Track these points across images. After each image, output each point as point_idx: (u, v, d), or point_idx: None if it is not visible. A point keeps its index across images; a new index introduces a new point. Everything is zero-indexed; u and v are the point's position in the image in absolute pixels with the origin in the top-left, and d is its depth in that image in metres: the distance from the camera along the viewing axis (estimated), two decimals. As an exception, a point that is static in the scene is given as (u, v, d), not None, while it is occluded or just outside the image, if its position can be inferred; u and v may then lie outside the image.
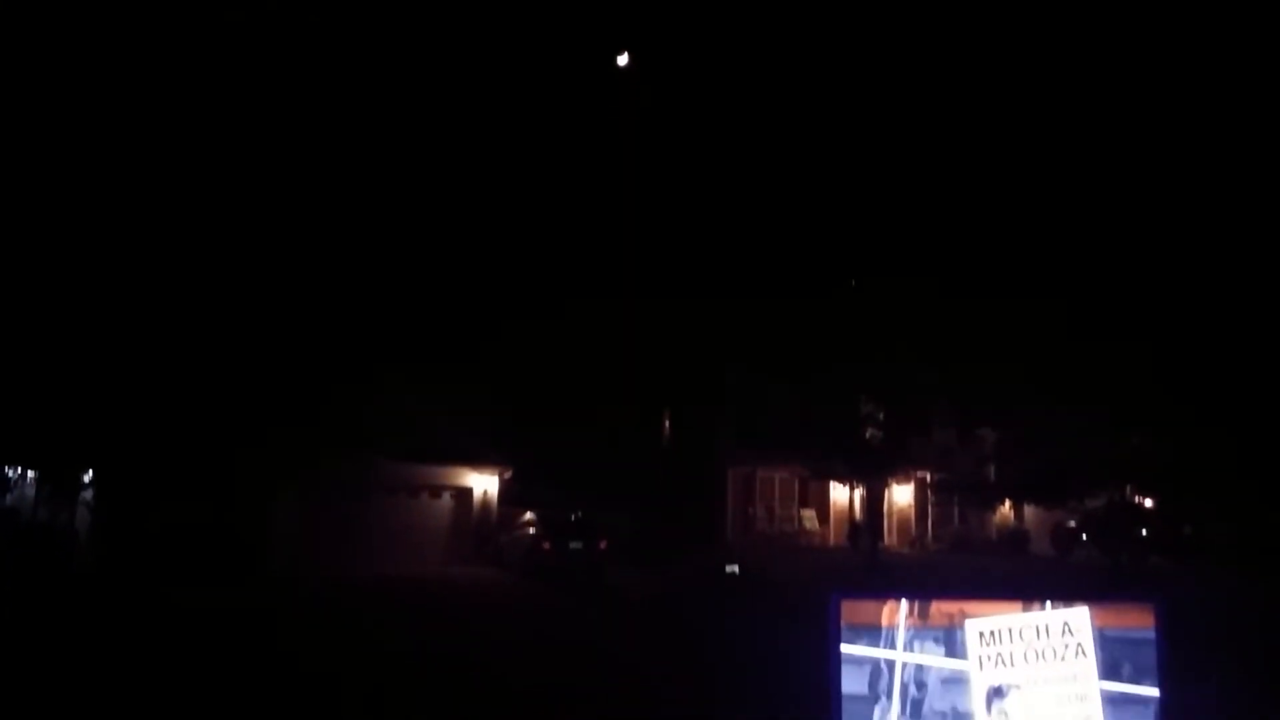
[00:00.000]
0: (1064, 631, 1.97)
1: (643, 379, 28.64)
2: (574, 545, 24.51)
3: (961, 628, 1.92)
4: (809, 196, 26.19)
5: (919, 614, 1.91)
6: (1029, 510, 33.52)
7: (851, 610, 1.89)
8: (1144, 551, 27.19)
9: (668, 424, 32.16)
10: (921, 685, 1.90)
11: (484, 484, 28.51)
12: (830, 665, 1.87)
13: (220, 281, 19.73)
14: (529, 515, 26.75)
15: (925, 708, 1.90)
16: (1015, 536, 33.28)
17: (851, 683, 1.87)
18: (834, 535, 33.35)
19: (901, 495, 34.59)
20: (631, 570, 22.82)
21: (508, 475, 28.75)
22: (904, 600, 1.92)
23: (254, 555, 19.54)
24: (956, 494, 34.25)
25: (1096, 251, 22.64)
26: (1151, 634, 2.02)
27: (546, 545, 24.53)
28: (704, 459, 30.63)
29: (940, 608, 1.92)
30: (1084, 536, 30.55)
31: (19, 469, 19.93)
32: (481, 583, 22.19)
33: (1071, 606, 1.99)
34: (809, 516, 34.03)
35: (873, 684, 1.88)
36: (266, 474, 20.94)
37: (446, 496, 28.15)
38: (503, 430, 27.80)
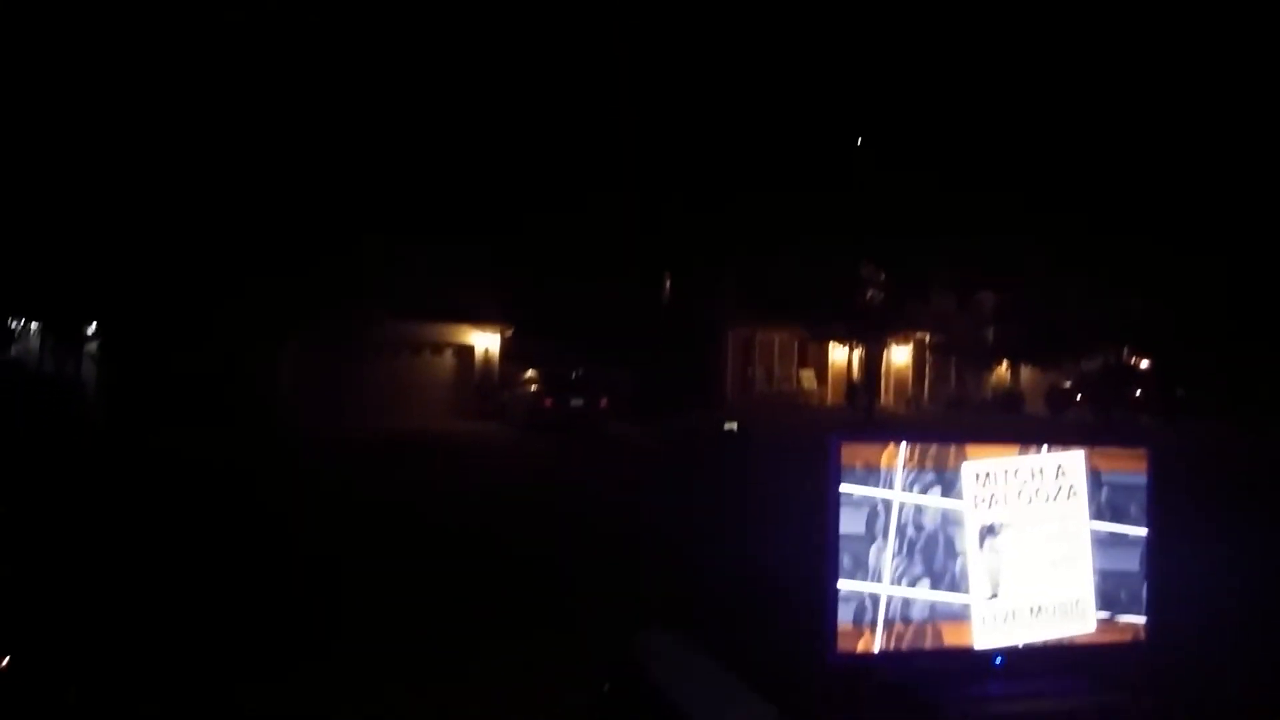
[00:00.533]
0: (1057, 474, 2.01)
1: (645, 240, 28.41)
2: (575, 402, 24.88)
3: (958, 469, 1.96)
4: (814, 62, 25.34)
5: (917, 456, 1.95)
6: (1025, 372, 33.91)
7: (850, 452, 1.92)
8: (1136, 411, 27.63)
9: (668, 284, 32.12)
10: (918, 525, 1.96)
11: (485, 342, 28.71)
12: (829, 506, 1.92)
13: (227, 132, 19.36)
14: (530, 373, 27.03)
15: (920, 546, 1.95)
16: (1010, 397, 33.77)
17: (849, 523, 1.92)
18: (832, 395, 33.81)
19: (899, 357, 34.88)
20: (630, 427, 23.21)
21: (509, 333, 28.91)
22: (903, 443, 1.95)
23: (260, 407, 19.83)
24: (954, 355, 34.59)
25: (1096, 111, 22.08)
26: (1143, 478, 2.06)
27: (548, 402, 24.90)
28: (704, 320, 30.71)
29: (938, 450, 1.96)
30: (1078, 397, 31.00)
31: (23, 321, 20.02)
32: (484, 436, 22.63)
33: (1067, 450, 2.02)
34: (807, 377, 34.41)
35: (870, 524, 1.93)
36: (272, 327, 21.07)
37: (448, 354, 28.39)
38: (504, 289, 27.78)
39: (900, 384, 35.11)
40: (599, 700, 1.89)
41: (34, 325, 20.69)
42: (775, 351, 34.18)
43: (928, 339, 34.27)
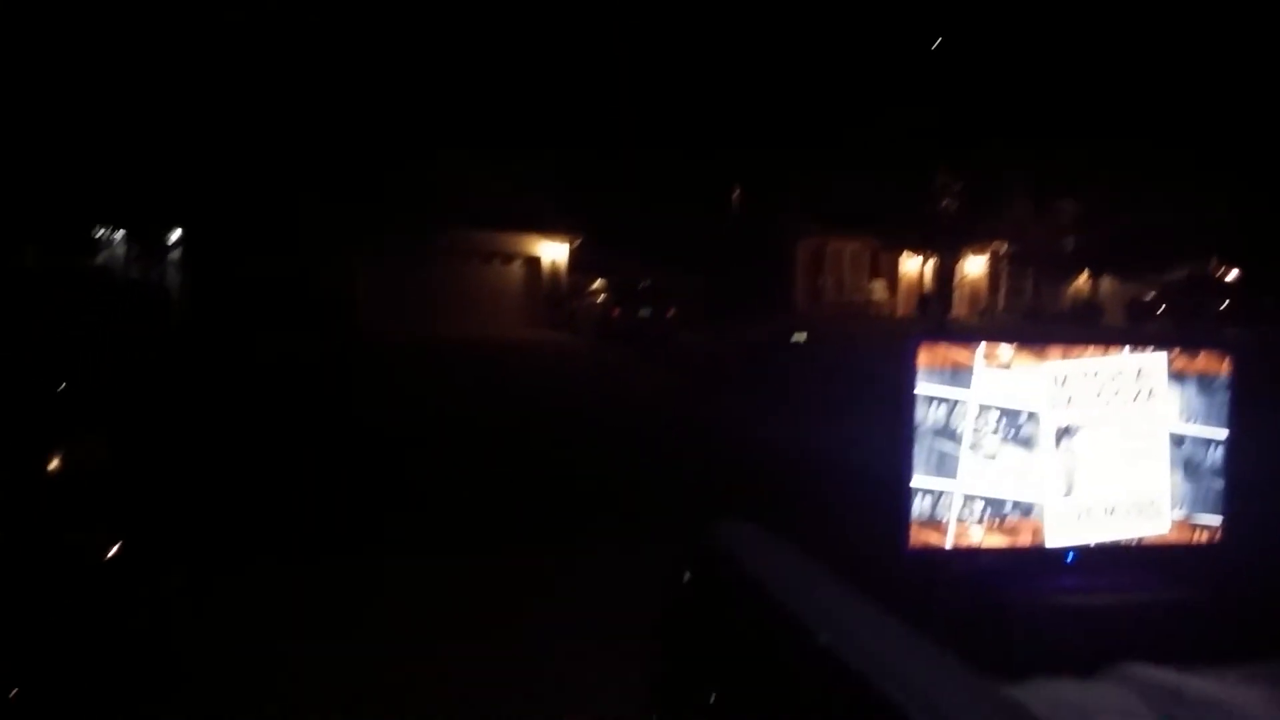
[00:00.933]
0: (1137, 375, 2.01)
1: (716, 147, 27.98)
2: (643, 312, 24.97)
3: (1036, 369, 1.97)
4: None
5: (996, 356, 1.96)
6: (1105, 283, 32.92)
7: (930, 353, 1.94)
8: (1221, 323, 26.75)
9: (738, 194, 31.67)
10: (994, 425, 1.97)
11: (554, 252, 28.78)
12: (905, 405, 1.94)
13: (307, 41, 19.48)
14: (599, 283, 27.14)
15: (995, 445, 1.97)
16: (1089, 308, 32.89)
17: (925, 422, 1.95)
18: (903, 307, 33.29)
19: (974, 267, 34.07)
20: (698, 337, 23.25)
21: (577, 244, 28.94)
22: (981, 344, 1.96)
23: (340, 313, 20.33)
24: (1031, 266, 33.68)
25: (1185, 9, 20.86)
26: (1224, 380, 2.05)
27: (616, 312, 25.05)
28: (774, 229, 30.32)
29: (1016, 350, 1.96)
30: (1160, 309, 30.10)
31: (109, 228, 20.63)
32: (553, 345, 22.90)
33: (1148, 352, 2.01)
34: (879, 287, 33.88)
35: (945, 423, 1.95)
36: (349, 235, 21.45)
37: (517, 264, 28.56)
38: (574, 200, 27.73)
39: (974, 295, 34.40)
40: (680, 588, 1.98)
41: (119, 234, 21.31)
42: (846, 261, 33.66)
43: (1004, 249, 33.40)
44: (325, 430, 9.60)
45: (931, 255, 30.98)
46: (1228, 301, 28.24)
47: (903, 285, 33.85)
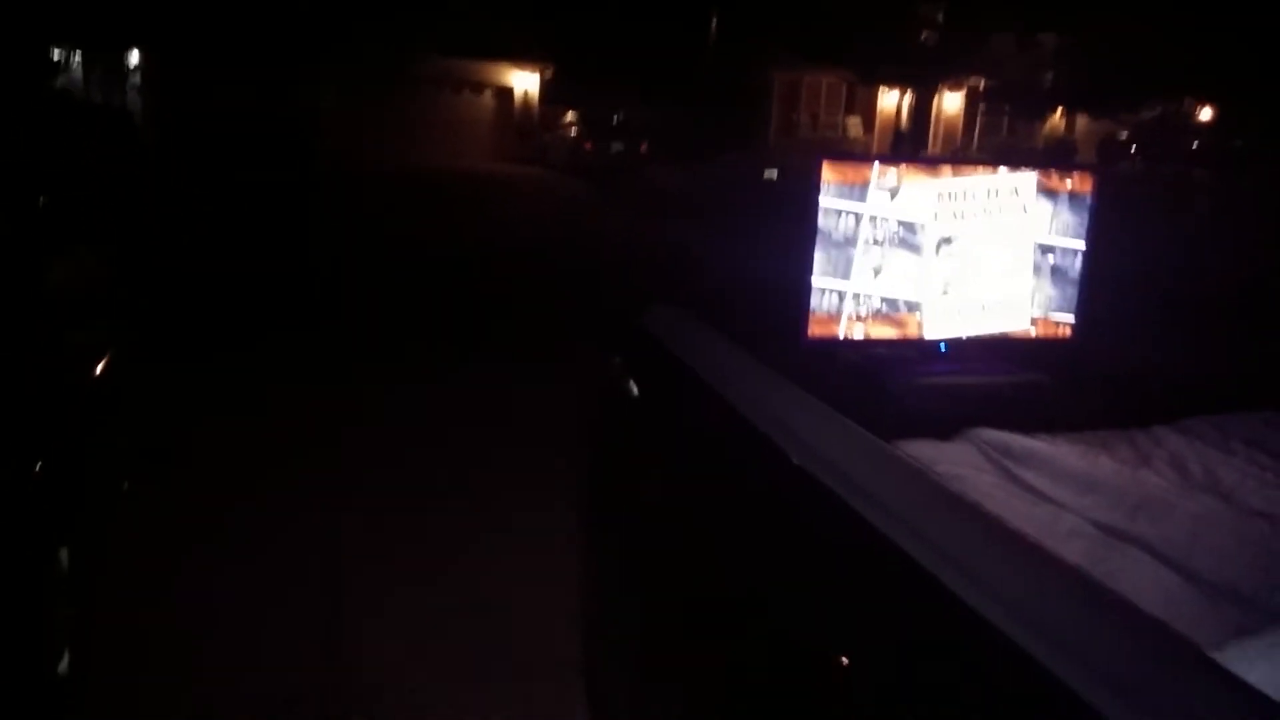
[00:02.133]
0: (1013, 193, 2.32)
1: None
2: (615, 147, 24.82)
3: (923, 186, 2.28)
4: None
5: (889, 176, 2.26)
6: (1080, 123, 32.80)
7: (832, 170, 2.23)
8: (1191, 163, 26.94)
9: (714, 25, 30.86)
10: (883, 235, 2.29)
11: (525, 83, 28.22)
12: (809, 215, 2.25)
13: None
14: (570, 116, 26.76)
15: (883, 253, 2.30)
16: (1062, 147, 32.88)
17: (826, 231, 2.26)
18: (878, 144, 33.13)
19: (951, 104, 33.75)
20: (670, 171, 23.23)
21: (549, 75, 28.32)
22: (877, 163, 2.25)
23: (305, 143, 20.06)
24: (1008, 103, 33.40)
25: None
26: (1087, 198, 2.37)
27: (588, 145, 24.87)
28: (748, 62, 29.73)
29: (906, 169, 2.27)
30: (1133, 149, 30.15)
31: (68, 50, 19.98)
32: (523, 177, 22.84)
33: (1021, 172, 2.33)
34: (854, 124, 33.60)
35: (842, 232, 2.27)
36: (313, 63, 20.91)
37: (488, 94, 28.01)
38: (546, 27, 26.96)
39: (950, 133, 34.22)
40: (611, 369, 2.31)
41: (76, 56, 20.65)
42: (822, 96, 33.23)
43: (981, 84, 33.03)
44: (281, 254, 10.04)
45: (908, 91, 30.65)
46: (1197, 142, 28.35)
47: (879, 122, 33.59)
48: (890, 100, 32.80)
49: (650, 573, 2.22)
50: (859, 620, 1.41)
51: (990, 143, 33.94)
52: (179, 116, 19.49)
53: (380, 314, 8.43)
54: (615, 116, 26.29)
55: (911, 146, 28.07)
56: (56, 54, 19.93)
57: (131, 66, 20.65)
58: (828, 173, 2.21)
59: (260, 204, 13.76)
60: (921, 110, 30.14)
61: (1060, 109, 32.76)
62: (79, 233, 4.31)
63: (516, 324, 7.92)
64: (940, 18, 28.03)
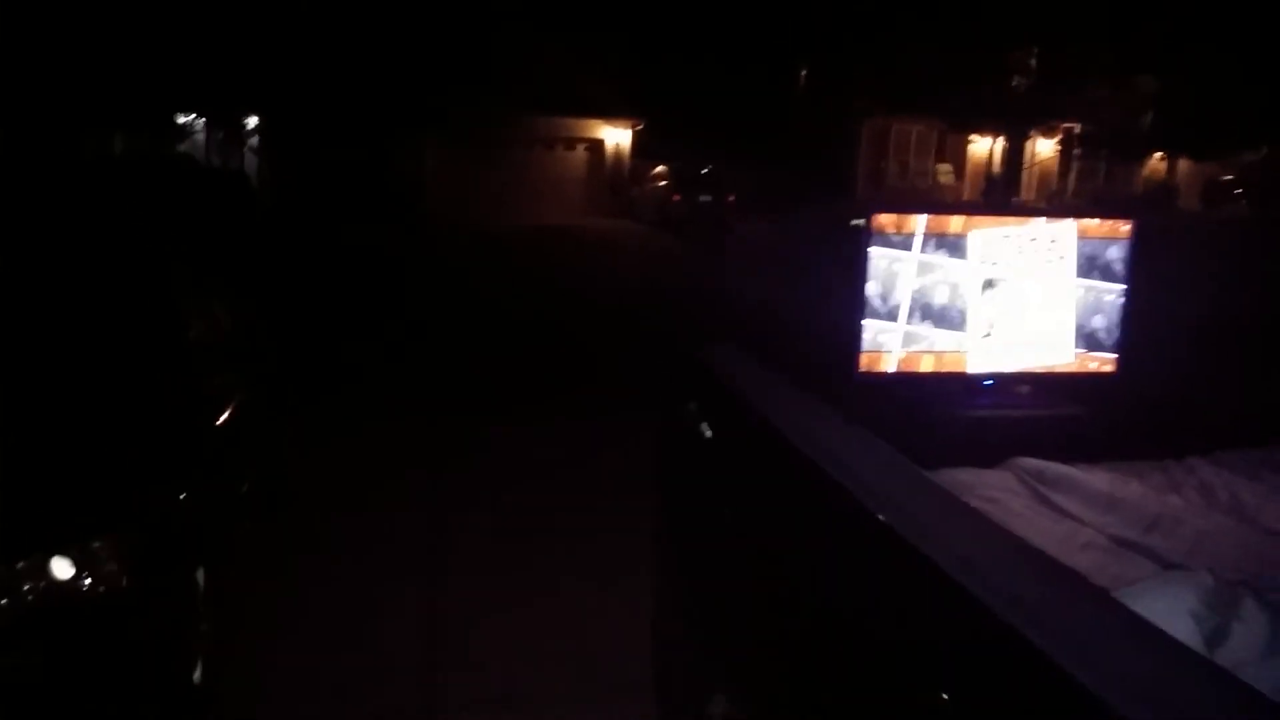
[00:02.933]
0: (1051, 240, 2.52)
1: (780, 28, 27.56)
2: (703, 198, 25.21)
3: (966, 235, 2.49)
4: None
5: (935, 226, 2.48)
6: (1183, 166, 32.00)
7: (881, 221, 2.47)
8: (1297, 206, 26.00)
9: (803, 76, 31.22)
10: (930, 279, 2.51)
11: (617, 137, 28.92)
12: (858, 262, 2.49)
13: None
14: (660, 169, 27.33)
15: (930, 296, 2.51)
16: (1162, 191, 32.09)
17: (876, 276, 2.49)
18: (969, 191, 32.86)
19: (1044, 149, 33.33)
20: (757, 223, 23.48)
21: (640, 129, 29.00)
22: (924, 215, 2.48)
23: (408, 201, 21.04)
24: (1104, 147, 32.80)
25: None
26: (1126, 242, 2.55)
27: (676, 198, 25.32)
28: (837, 111, 29.95)
29: (951, 220, 2.49)
30: (1237, 191, 29.27)
31: (192, 116, 21.41)
32: (613, 231, 23.40)
33: (1059, 220, 2.52)
34: (944, 171, 33.42)
35: (889, 277, 2.49)
36: (416, 124, 21.97)
37: (580, 149, 28.77)
38: (636, 84, 27.68)
39: (1044, 178, 33.72)
40: (685, 413, 2.56)
41: (198, 121, 22.12)
42: (911, 144, 33.19)
43: (1076, 129, 32.54)
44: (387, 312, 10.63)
45: (1000, 137, 30.40)
46: (1306, 183, 27.34)
47: (970, 168, 33.34)
48: (982, 146, 32.56)
49: (719, 598, 2.43)
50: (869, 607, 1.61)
51: (1086, 188, 33.33)
52: (292, 177, 20.70)
53: (475, 361, 8.88)
54: (704, 169, 26.73)
55: (1004, 193, 27.78)
56: (181, 120, 21.40)
57: (249, 130, 22.02)
58: (879, 222, 2.44)
59: (367, 260, 14.56)
60: (1014, 156, 29.81)
61: (1160, 153, 32.03)
62: (210, 288, 4.78)
63: (600, 371, 8.29)
64: (1033, 63, 27.84)
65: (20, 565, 2.61)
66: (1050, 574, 1.31)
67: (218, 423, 3.97)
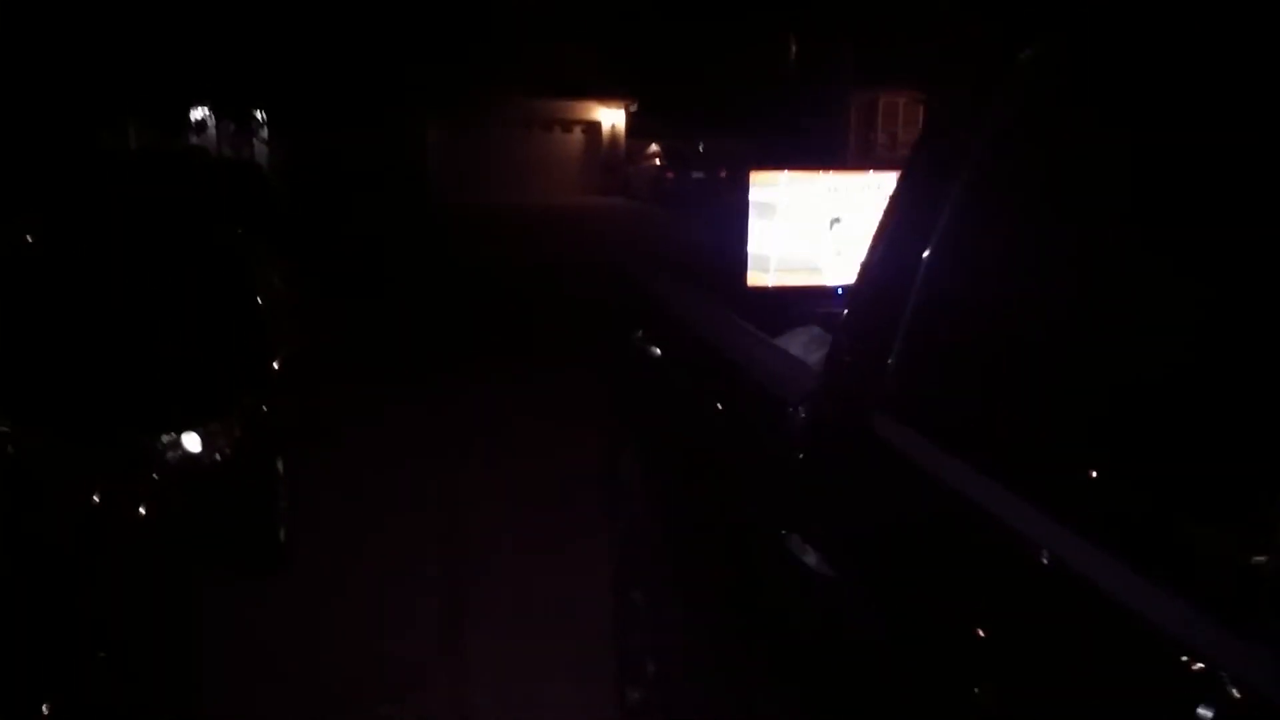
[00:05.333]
0: (878, 187, 3.58)
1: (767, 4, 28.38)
2: (695, 174, 26.19)
3: (821, 184, 3.56)
4: None
5: (800, 179, 3.54)
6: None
7: (757, 177, 3.54)
8: None
9: (794, 50, 32.04)
10: (795, 217, 3.57)
11: (612, 118, 29.88)
12: (740, 212, 3.56)
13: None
14: (654, 147, 28.29)
15: (791, 228, 3.58)
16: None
17: (758, 215, 3.56)
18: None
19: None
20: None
21: (634, 108, 29.94)
22: (787, 170, 3.54)
23: (411, 182, 22.09)
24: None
25: None
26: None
27: (670, 174, 26.30)
28: (825, 85, 30.79)
29: (811, 173, 3.55)
30: None
31: (206, 111, 22.44)
32: (609, 208, 24.44)
33: (888, 172, 3.58)
34: (931, 140, 34.22)
35: (767, 217, 3.55)
36: (417, 109, 22.98)
37: (577, 130, 29.75)
38: (629, 62, 28.55)
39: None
40: (634, 339, 3.64)
41: (206, 115, 23.15)
42: (900, 115, 34.03)
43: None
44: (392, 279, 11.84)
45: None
46: None
47: (956, 138, 34.13)
48: (968, 116, 33.34)
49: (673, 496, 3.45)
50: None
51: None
52: (299, 165, 21.74)
53: (476, 311, 10.09)
54: (697, 145, 27.66)
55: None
56: (195, 114, 22.43)
57: (257, 121, 23.07)
58: (754, 178, 3.51)
59: (374, 239, 15.74)
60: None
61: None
62: (263, 257, 5.86)
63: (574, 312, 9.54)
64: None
65: (164, 439, 3.70)
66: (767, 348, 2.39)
67: (277, 362, 5.06)
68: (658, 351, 3.31)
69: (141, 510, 3.41)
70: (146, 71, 19.16)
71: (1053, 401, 1.26)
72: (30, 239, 4.28)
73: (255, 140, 23.08)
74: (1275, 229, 0.99)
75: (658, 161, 27.56)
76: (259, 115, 22.72)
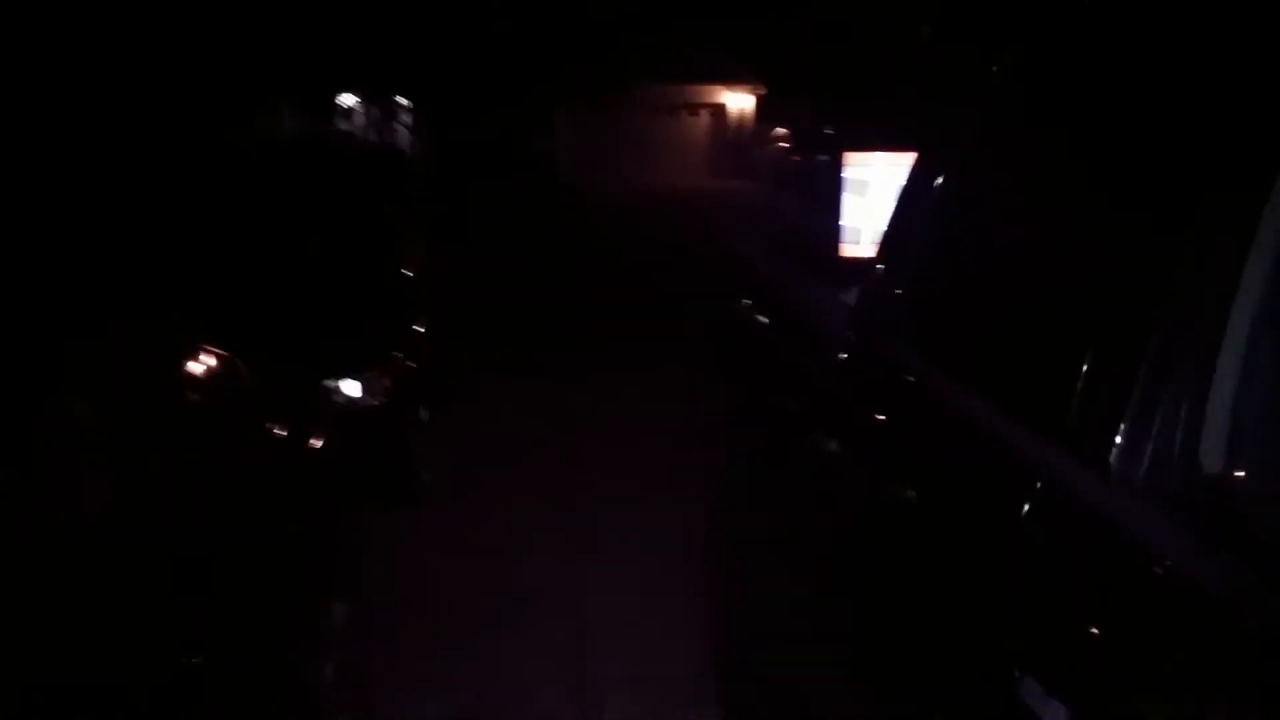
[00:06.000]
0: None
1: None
2: (821, 157, 26.13)
3: (909, 163, 3.87)
4: None
5: (891, 159, 3.87)
6: None
7: (851, 157, 3.89)
8: None
9: (927, 32, 31.42)
10: (883, 195, 3.90)
11: (739, 102, 30.04)
12: (836, 189, 3.91)
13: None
14: (781, 130, 28.32)
15: (882, 204, 3.90)
16: None
17: (848, 198, 3.91)
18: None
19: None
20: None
21: (763, 94, 30.00)
22: (879, 150, 3.87)
23: (541, 168, 22.91)
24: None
25: None
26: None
27: (795, 158, 26.34)
28: (955, 72, 30.12)
29: (900, 153, 3.87)
30: None
31: (355, 99, 23.78)
32: (734, 191, 24.72)
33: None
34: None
35: (858, 195, 3.89)
36: (547, 97, 23.78)
37: (704, 114, 30.03)
38: (757, 48, 28.64)
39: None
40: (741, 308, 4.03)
41: (354, 101, 24.49)
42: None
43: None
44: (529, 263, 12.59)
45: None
46: None
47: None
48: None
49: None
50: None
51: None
52: (437, 150, 22.84)
53: (599, 285, 10.70)
54: (824, 129, 27.51)
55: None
56: (342, 102, 23.81)
57: (401, 108, 24.33)
58: (849, 158, 3.86)
59: (509, 223, 16.59)
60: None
61: None
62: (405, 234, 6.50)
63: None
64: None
65: (329, 384, 4.32)
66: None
67: (421, 325, 5.67)
68: (758, 315, 3.73)
69: (314, 443, 4.02)
70: (301, 59, 20.43)
71: (1004, 328, 1.72)
72: (234, 218, 4.97)
73: (398, 126, 24.33)
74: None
75: (784, 145, 27.60)
76: (403, 102, 23.95)
